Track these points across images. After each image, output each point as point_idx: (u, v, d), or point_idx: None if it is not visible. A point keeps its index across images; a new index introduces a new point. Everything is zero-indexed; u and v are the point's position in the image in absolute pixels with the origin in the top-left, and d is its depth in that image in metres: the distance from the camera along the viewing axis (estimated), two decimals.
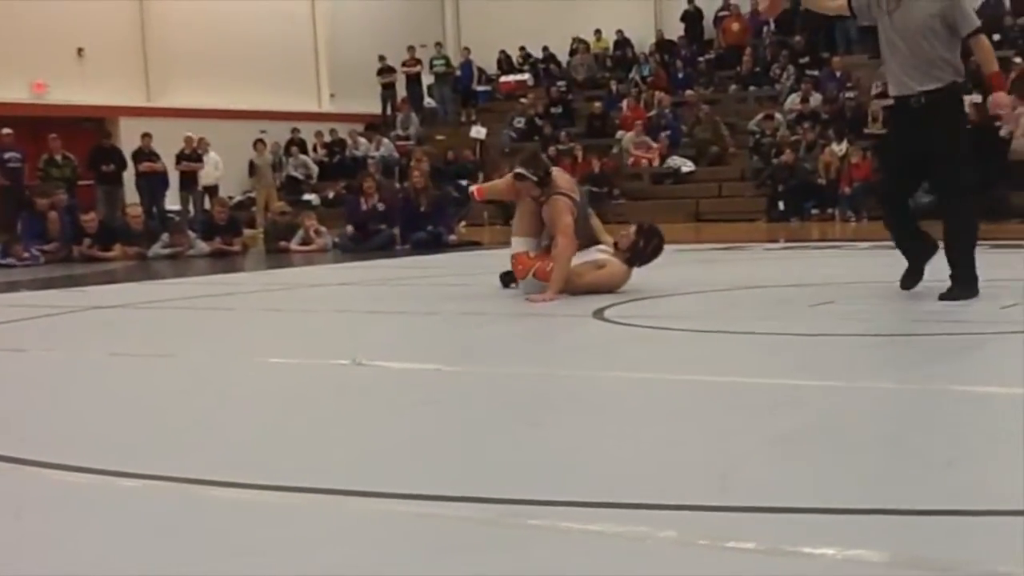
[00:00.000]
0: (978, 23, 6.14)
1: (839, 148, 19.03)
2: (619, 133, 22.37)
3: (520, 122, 24.48)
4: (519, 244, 7.59)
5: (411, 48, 26.54)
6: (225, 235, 15.79)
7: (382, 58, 25.97)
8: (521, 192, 7.56)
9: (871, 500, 2.57)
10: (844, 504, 2.54)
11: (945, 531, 2.37)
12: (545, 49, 27.78)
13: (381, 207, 15.81)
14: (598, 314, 6.35)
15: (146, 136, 19.61)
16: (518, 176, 7.47)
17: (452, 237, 15.15)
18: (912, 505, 2.52)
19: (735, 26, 25.08)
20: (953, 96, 6.23)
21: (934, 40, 6.11)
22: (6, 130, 17.87)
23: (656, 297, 7.26)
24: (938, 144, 6.12)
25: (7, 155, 17.68)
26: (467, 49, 28.43)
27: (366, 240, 15.31)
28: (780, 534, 2.36)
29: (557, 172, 7.67)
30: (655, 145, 21.41)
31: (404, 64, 26.42)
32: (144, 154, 19.54)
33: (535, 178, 7.37)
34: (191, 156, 20.15)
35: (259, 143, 21.88)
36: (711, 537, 2.34)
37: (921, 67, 6.14)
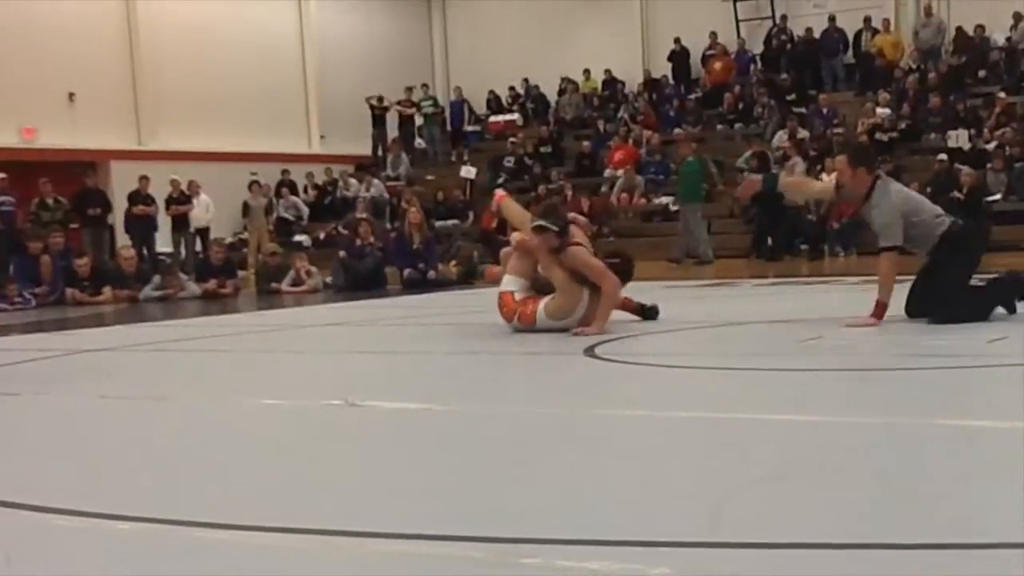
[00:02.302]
0: (893, 243, 6.84)
1: (829, 179, 19.09)
2: (607, 171, 22.47)
3: (510, 161, 24.59)
4: (508, 283, 7.66)
5: (409, 89, 26.72)
6: (220, 276, 15.83)
7: (380, 99, 26.15)
8: (537, 247, 7.59)
9: (862, 535, 2.58)
10: (835, 539, 2.55)
11: (937, 565, 2.38)
12: (536, 88, 27.96)
13: (379, 246, 16.19)
14: (589, 351, 6.37)
15: (143, 179, 19.68)
16: (537, 228, 7.47)
17: (431, 273, 15.43)
18: (903, 539, 2.53)
19: (718, 65, 25.28)
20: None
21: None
22: (0, 175, 17.92)
23: (646, 334, 7.28)
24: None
25: (1, 199, 17.72)
26: (459, 89, 28.61)
27: (359, 280, 15.52)
28: (772, 570, 2.37)
29: (573, 227, 7.69)
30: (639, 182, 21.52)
31: (399, 103, 26.58)
32: (140, 197, 19.60)
33: (555, 228, 7.41)
34: (179, 199, 20.19)
35: (254, 185, 21.95)
36: (704, 573, 2.35)
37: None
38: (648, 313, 8.00)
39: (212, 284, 15.53)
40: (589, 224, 8.22)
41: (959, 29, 22.97)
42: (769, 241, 19.26)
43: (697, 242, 18.04)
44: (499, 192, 8.97)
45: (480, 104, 28.61)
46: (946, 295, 6.82)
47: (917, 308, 6.96)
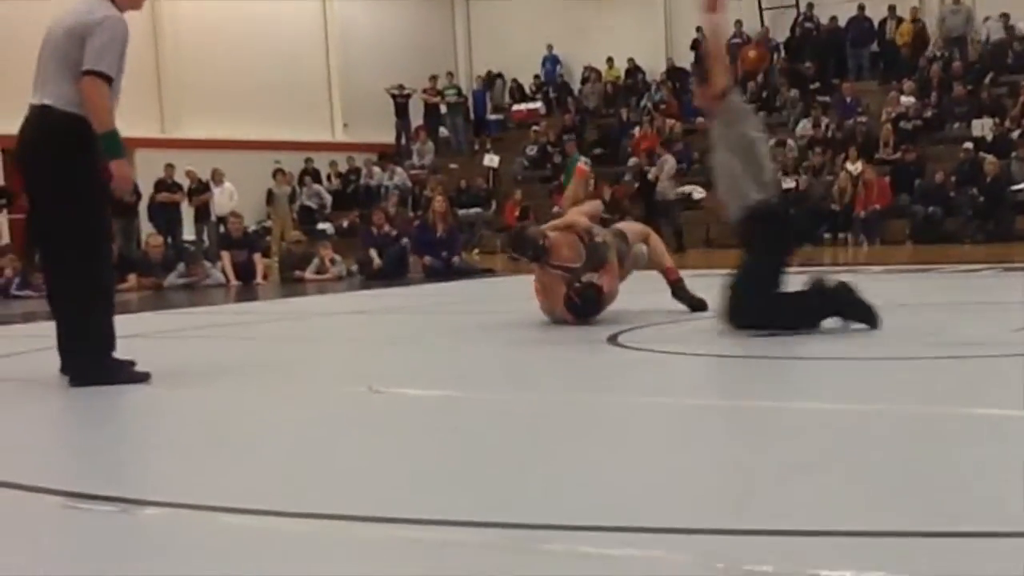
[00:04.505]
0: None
1: (854, 168, 19.11)
2: (631, 160, 22.42)
3: (532, 150, 24.58)
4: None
5: (433, 78, 26.77)
6: (240, 249, 15.95)
7: (401, 87, 26.21)
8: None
9: (887, 522, 2.59)
10: (860, 527, 2.55)
11: (960, 552, 2.39)
12: (561, 76, 27.95)
13: (394, 234, 16.24)
14: (612, 339, 6.38)
15: (169, 167, 19.80)
16: (512, 259, 7.61)
17: (456, 259, 15.49)
18: (929, 527, 2.53)
19: (752, 53, 25.16)
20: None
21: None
22: None
23: (669, 323, 7.28)
24: None
25: None
26: (480, 78, 28.61)
27: (381, 268, 15.61)
28: (797, 557, 2.37)
29: (555, 240, 7.41)
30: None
31: (424, 91, 26.62)
32: (166, 185, 19.72)
33: (527, 258, 7.42)
34: (197, 189, 20.31)
35: (279, 173, 22.03)
36: (728, 560, 2.35)
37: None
38: (697, 305, 7.80)
39: (241, 255, 15.68)
40: (598, 208, 8.07)
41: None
42: None
43: None
44: (583, 165, 8.85)
45: (503, 92, 28.63)
46: (757, 298, 6.13)
47: (737, 316, 6.21)
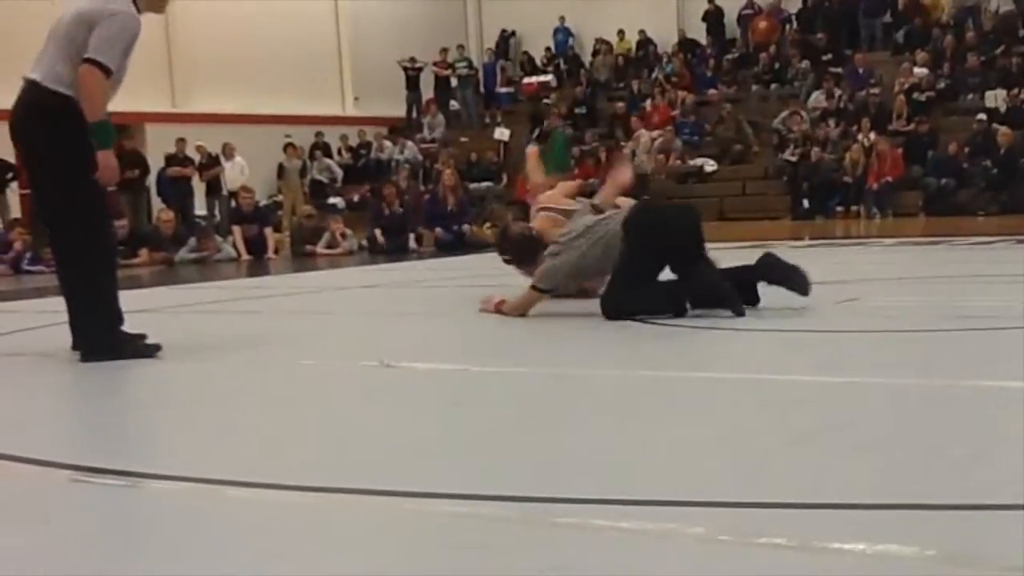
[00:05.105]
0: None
1: (866, 139, 19.05)
2: (640, 132, 22.36)
3: (544, 123, 24.51)
4: None
5: (444, 50, 26.67)
6: (251, 223, 15.96)
7: (413, 59, 26.12)
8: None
9: (899, 495, 2.58)
10: (872, 500, 2.54)
11: (974, 525, 2.37)
12: (571, 49, 27.83)
13: (400, 212, 16.30)
14: None
15: (180, 141, 19.78)
16: (506, 262, 7.45)
17: (467, 228, 15.52)
18: (940, 500, 2.52)
19: (762, 24, 25.01)
20: None
21: None
22: None
23: None
24: None
25: None
26: (490, 50, 28.50)
27: (391, 242, 15.63)
28: (809, 530, 2.36)
29: (542, 226, 7.30)
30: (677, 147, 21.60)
31: (435, 64, 26.53)
32: (177, 159, 19.70)
33: (517, 258, 7.33)
34: (208, 163, 20.29)
35: (290, 147, 21.99)
36: (740, 533, 2.34)
37: None
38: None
39: (252, 229, 15.71)
40: (570, 188, 7.97)
41: None
42: (805, 203, 19.20)
43: None
44: (531, 149, 8.83)
45: (517, 54, 28.55)
46: (617, 292, 6.30)
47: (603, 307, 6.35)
